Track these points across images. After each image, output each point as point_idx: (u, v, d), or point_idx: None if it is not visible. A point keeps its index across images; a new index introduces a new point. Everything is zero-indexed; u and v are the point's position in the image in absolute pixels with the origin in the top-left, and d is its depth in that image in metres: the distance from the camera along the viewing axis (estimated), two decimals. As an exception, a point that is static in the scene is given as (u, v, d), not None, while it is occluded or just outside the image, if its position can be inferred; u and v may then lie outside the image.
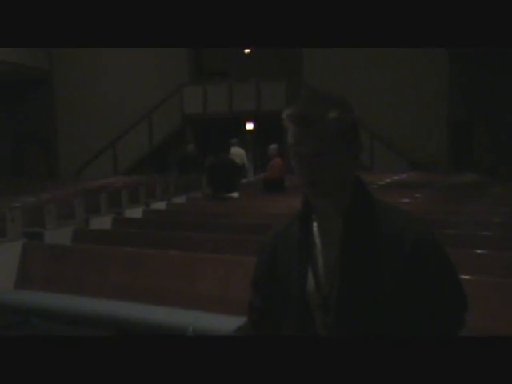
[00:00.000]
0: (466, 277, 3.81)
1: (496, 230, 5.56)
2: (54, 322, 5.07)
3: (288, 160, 1.50)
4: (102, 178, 14.52)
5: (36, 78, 19.38)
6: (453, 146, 15.80)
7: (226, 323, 4.29)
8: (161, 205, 9.63)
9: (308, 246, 1.53)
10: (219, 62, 17.94)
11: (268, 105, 15.92)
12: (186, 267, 4.96)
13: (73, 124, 19.46)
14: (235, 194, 9.93)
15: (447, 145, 15.80)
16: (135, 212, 8.64)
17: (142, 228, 7.14)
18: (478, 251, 4.61)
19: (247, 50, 17.54)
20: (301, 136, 1.42)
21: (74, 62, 19.15)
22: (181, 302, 4.74)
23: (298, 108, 1.44)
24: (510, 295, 3.75)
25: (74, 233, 6.66)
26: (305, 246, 1.53)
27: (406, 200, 7.97)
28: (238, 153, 14.19)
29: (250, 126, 16.74)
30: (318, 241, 1.53)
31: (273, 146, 10.69)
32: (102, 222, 7.61)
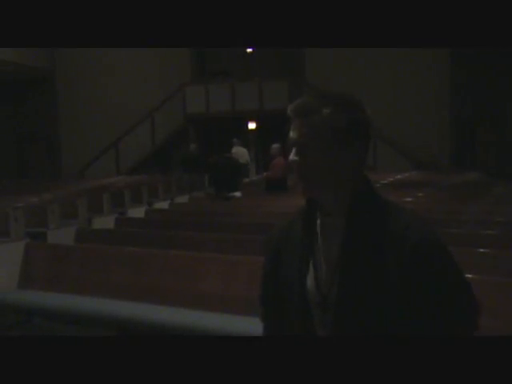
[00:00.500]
0: (469, 276, 3.80)
1: (499, 230, 5.55)
2: (57, 321, 5.08)
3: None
4: (104, 178, 14.53)
5: (38, 78, 19.40)
6: (456, 145, 15.79)
7: (229, 323, 4.30)
8: (163, 204, 9.64)
9: (310, 243, 1.53)
10: (221, 62, 17.94)
11: (270, 104, 15.90)
12: (189, 267, 4.96)
13: (75, 124, 19.48)
14: (238, 194, 9.94)
15: (450, 144, 15.78)
16: (138, 212, 8.65)
17: (145, 228, 7.14)
18: (481, 250, 4.60)
19: (249, 50, 17.54)
20: (294, 127, 1.48)
21: (76, 61, 19.16)
22: (183, 302, 4.74)
23: (298, 101, 1.50)
24: (513, 294, 3.74)
25: (77, 233, 6.67)
26: (307, 243, 1.53)
27: (409, 199, 7.96)
28: (240, 152, 14.20)
29: (252, 125, 16.73)
30: (320, 239, 1.52)
31: (275, 146, 10.69)
32: (105, 222, 7.62)
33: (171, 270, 5.01)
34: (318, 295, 1.49)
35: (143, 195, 10.49)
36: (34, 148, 20.36)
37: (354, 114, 1.46)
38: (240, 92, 16.57)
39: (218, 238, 5.89)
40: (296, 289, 1.53)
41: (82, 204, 8.61)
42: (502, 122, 15.20)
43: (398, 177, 12.56)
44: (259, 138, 16.74)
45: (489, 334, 1.45)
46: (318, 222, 1.54)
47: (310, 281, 1.51)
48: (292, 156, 1.47)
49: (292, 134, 1.48)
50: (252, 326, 3.95)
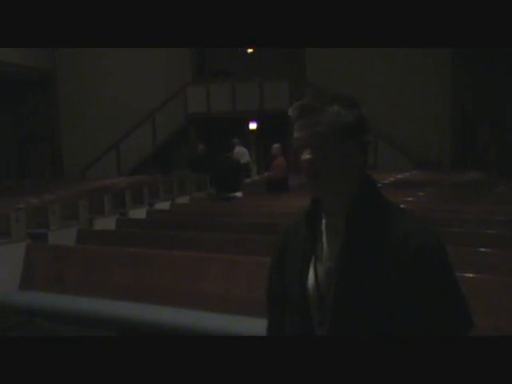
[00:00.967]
0: (470, 275, 3.80)
1: (500, 229, 5.54)
2: (58, 322, 5.08)
3: (291, 159, 1.51)
4: (105, 179, 14.54)
5: (39, 79, 19.42)
6: (457, 144, 15.79)
7: (230, 323, 4.30)
8: (164, 205, 9.65)
9: (313, 243, 1.53)
10: (222, 62, 17.95)
11: (271, 104, 15.91)
12: (190, 267, 4.96)
13: (76, 124, 19.49)
14: (238, 194, 9.94)
15: (451, 143, 15.78)
16: (139, 212, 8.65)
17: (146, 228, 7.14)
18: (482, 249, 4.60)
19: (250, 50, 17.55)
20: (301, 126, 1.46)
21: (77, 62, 19.17)
22: (184, 302, 4.74)
23: (302, 101, 1.48)
24: (515, 294, 3.73)
25: (78, 233, 6.67)
26: (310, 243, 1.54)
27: (410, 198, 7.96)
28: (241, 152, 14.24)
29: (253, 125, 16.73)
30: (323, 239, 1.53)
31: (276, 146, 10.68)
32: (106, 223, 7.62)
33: (172, 271, 5.01)
34: (316, 295, 1.50)
35: (144, 196, 10.49)
36: (34, 149, 20.39)
37: (359, 111, 1.47)
38: (241, 92, 16.57)
39: (219, 238, 5.88)
40: (297, 288, 1.54)
41: (83, 205, 8.61)
42: (502, 121, 15.20)
43: (399, 176, 12.56)
44: (260, 138, 16.75)
45: (490, 333, 1.45)
46: (323, 222, 1.54)
47: (310, 280, 1.52)
48: (304, 156, 1.45)
49: (300, 134, 1.46)
50: (253, 326, 3.95)
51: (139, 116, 17.93)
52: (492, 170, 14.22)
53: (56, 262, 5.63)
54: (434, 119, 15.65)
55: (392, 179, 11.81)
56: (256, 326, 1.80)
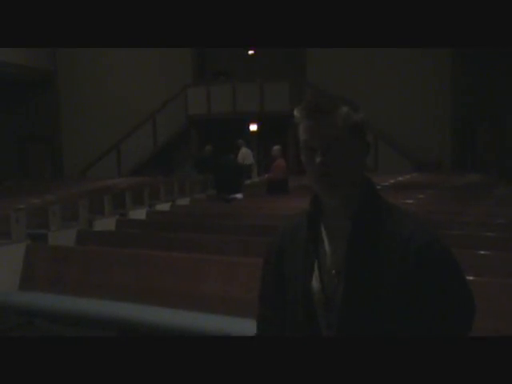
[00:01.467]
0: (470, 278, 3.80)
1: (500, 231, 5.54)
2: (58, 323, 5.07)
3: (291, 161, 1.52)
4: (106, 179, 14.54)
5: (40, 79, 19.44)
6: (457, 146, 15.78)
7: (230, 324, 4.30)
8: (165, 206, 9.64)
9: (315, 245, 1.54)
10: (223, 63, 17.96)
11: (272, 105, 15.92)
12: (190, 268, 4.96)
13: (77, 125, 19.50)
14: (239, 195, 9.94)
15: (451, 145, 15.78)
16: (139, 213, 8.64)
17: (146, 229, 7.14)
18: (482, 252, 4.60)
19: (250, 52, 17.55)
20: (314, 128, 1.45)
21: (77, 62, 19.20)
22: (184, 304, 4.74)
23: (312, 103, 1.48)
24: (515, 296, 3.73)
25: (78, 234, 6.67)
26: (312, 245, 1.54)
27: (410, 201, 7.95)
28: (246, 153, 14.33)
29: (253, 126, 16.74)
30: (325, 241, 1.53)
31: (276, 147, 10.69)
32: (106, 224, 7.61)
33: (172, 272, 5.01)
34: (322, 296, 1.50)
35: (144, 197, 10.48)
36: (35, 149, 20.41)
37: (362, 113, 1.48)
38: (241, 93, 16.58)
39: (219, 239, 5.88)
40: (301, 290, 1.54)
41: (83, 205, 8.60)
42: (502, 122, 15.19)
43: (399, 178, 12.56)
44: (260, 139, 16.75)
45: (490, 334, 1.45)
46: (323, 224, 1.55)
47: (315, 282, 1.52)
48: (317, 158, 1.44)
49: (310, 136, 1.46)
50: (253, 327, 3.95)
51: (140, 117, 17.94)
52: (492, 172, 14.21)
53: (56, 262, 5.63)
54: (434, 120, 15.64)
55: (392, 181, 11.81)
56: (256, 327, 1.80)
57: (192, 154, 16.81)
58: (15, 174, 19.70)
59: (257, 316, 1.74)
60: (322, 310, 1.51)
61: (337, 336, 1.47)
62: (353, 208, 1.48)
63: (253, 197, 10.30)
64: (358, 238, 1.46)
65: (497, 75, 14.50)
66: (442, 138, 15.63)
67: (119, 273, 5.26)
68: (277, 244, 1.66)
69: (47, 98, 19.80)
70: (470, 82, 14.89)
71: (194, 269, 4.94)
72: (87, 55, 18.61)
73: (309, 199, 1.59)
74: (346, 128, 1.43)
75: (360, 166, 1.49)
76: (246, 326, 4.04)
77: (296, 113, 1.48)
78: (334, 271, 1.49)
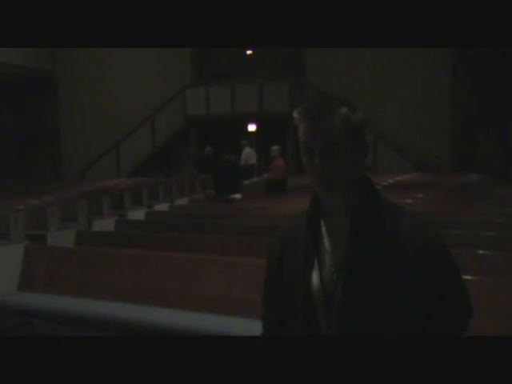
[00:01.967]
0: (469, 277, 3.79)
1: (500, 231, 5.54)
2: (57, 323, 5.07)
3: (290, 161, 1.52)
4: (105, 180, 14.53)
5: (39, 80, 19.40)
6: (457, 146, 15.77)
7: (229, 325, 4.29)
8: (164, 206, 9.64)
9: (315, 245, 1.54)
10: (222, 64, 17.95)
11: (271, 106, 15.91)
12: (189, 269, 4.95)
13: (76, 126, 19.50)
14: (238, 196, 9.93)
15: (451, 145, 15.77)
16: (138, 214, 8.64)
17: (145, 230, 7.14)
18: (482, 252, 4.60)
19: (249, 52, 17.55)
20: (313, 129, 1.46)
21: (77, 63, 19.19)
22: (184, 304, 4.73)
23: (310, 104, 1.49)
24: (514, 296, 3.73)
25: (77, 235, 6.67)
26: (312, 244, 1.55)
27: (409, 201, 7.95)
28: (250, 153, 14.37)
29: (252, 127, 16.72)
30: (325, 240, 1.54)
31: (275, 147, 10.69)
32: (105, 224, 7.61)
33: (171, 272, 5.01)
34: (322, 295, 1.51)
35: (143, 197, 10.47)
36: (34, 149, 20.39)
37: (361, 113, 1.49)
38: (240, 94, 16.57)
39: (218, 239, 5.88)
40: (301, 289, 1.55)
41: (82, 206, 8.59)
42: (502, 123, 15.19)
43: (399, 178, 12.55)
44: (259, 139, 16.74)
45: (490, 334, 1.45)
46: (323, 223, 1.55)
47: (315, 281, 1.53)
48: (317, 158, 1.45)
49: (310, 137, 1.46)
50: (253, 327, 3.94)
51: (139, 117, 17.93)
52: (492, 173, 14.21)
53: (55, 263, 5.63)
54: (434, 121, 15.63)
55: (391, 181, 11.80)
56: (256, 327, 1.80)
57: (191, 154, 16.79)
58: (15, 174, 19.68)
59: (261, 317, 1.76)
60: (321, 309, 1.51)
61: (336, 335, 1.47)
62: (353, 207, 1.49)
63: (252, 197, 10.30)
64: (358, 236, 1.47)
65: (497, 76, 14.50)
66: (442, 138, 15.62)
67: (118, 273, 5.26)
68: (277, 245, 1.67)
69: (47, 99, 19.77)
70: (470, 82, 14.89)
71: (192, 269, 4.94)
72: (87, 56, 18.60)
73: (309, 199, 1.59)
74: (345, 129, 1.44)
75: (359, 165, 1.50)
76: (246, 326, 4.04)
77: (295, 114, 1.49)
78: (333, 268, 1.50)
